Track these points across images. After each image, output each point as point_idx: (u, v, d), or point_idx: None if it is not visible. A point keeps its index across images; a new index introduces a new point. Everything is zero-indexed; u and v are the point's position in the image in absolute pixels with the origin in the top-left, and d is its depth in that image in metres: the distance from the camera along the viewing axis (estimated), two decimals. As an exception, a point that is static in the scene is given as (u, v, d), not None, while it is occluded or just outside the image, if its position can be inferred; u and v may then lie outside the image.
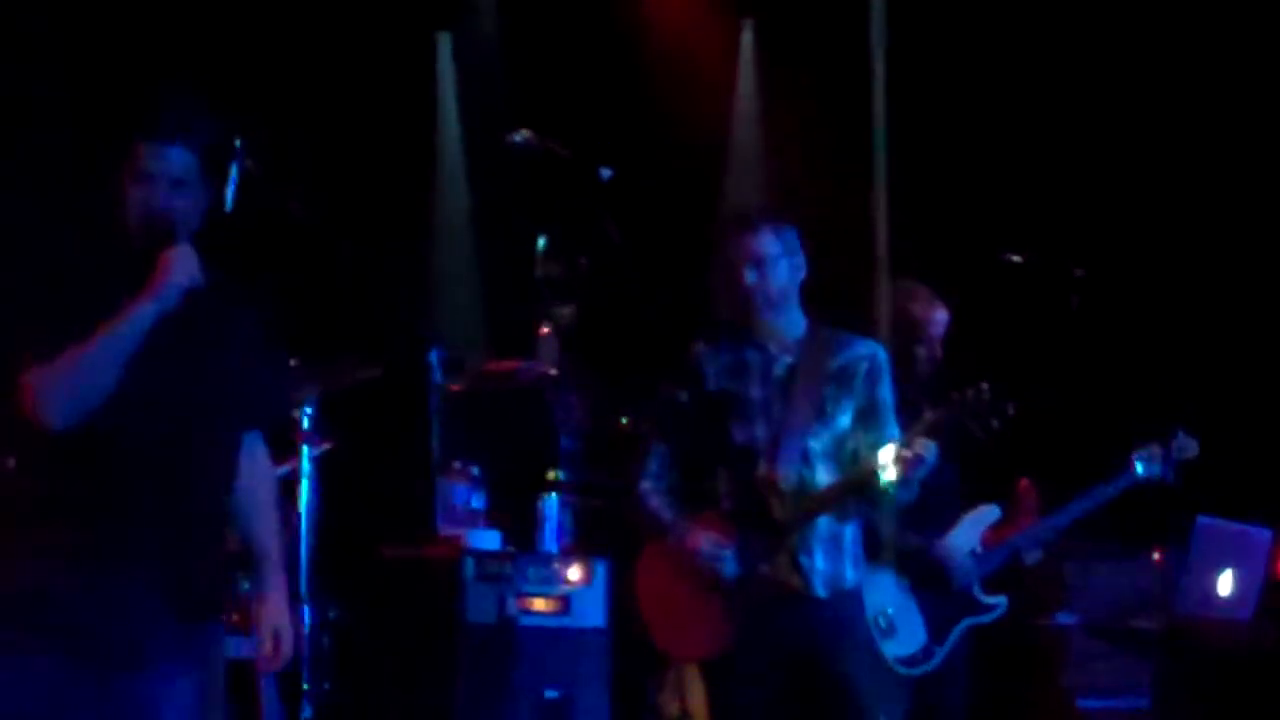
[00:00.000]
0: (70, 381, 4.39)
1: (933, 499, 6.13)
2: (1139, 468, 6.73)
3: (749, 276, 5.60)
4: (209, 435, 4.59)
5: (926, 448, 5.45)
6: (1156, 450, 6.75)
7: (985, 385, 5.45)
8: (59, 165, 7.15)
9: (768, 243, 5.61)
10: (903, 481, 5.50)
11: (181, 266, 4.45)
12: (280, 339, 4.92)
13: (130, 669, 4.42)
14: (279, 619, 4.77)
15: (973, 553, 6.50)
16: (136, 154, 4.50)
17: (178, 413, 4.51)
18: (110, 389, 4.40)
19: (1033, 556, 6.71)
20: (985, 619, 6.52)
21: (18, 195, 7.13)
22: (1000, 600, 6.55)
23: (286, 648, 4.77)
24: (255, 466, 4.78)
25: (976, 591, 6.50)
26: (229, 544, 4.74)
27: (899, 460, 5.45)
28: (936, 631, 6.41)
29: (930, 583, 6.40)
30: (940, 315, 6.59)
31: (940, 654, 6.39)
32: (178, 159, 4.51)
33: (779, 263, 5.62)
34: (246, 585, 4.99)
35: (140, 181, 4.50)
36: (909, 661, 6.33)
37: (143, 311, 4.42)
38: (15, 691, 4.35)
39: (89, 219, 4.64)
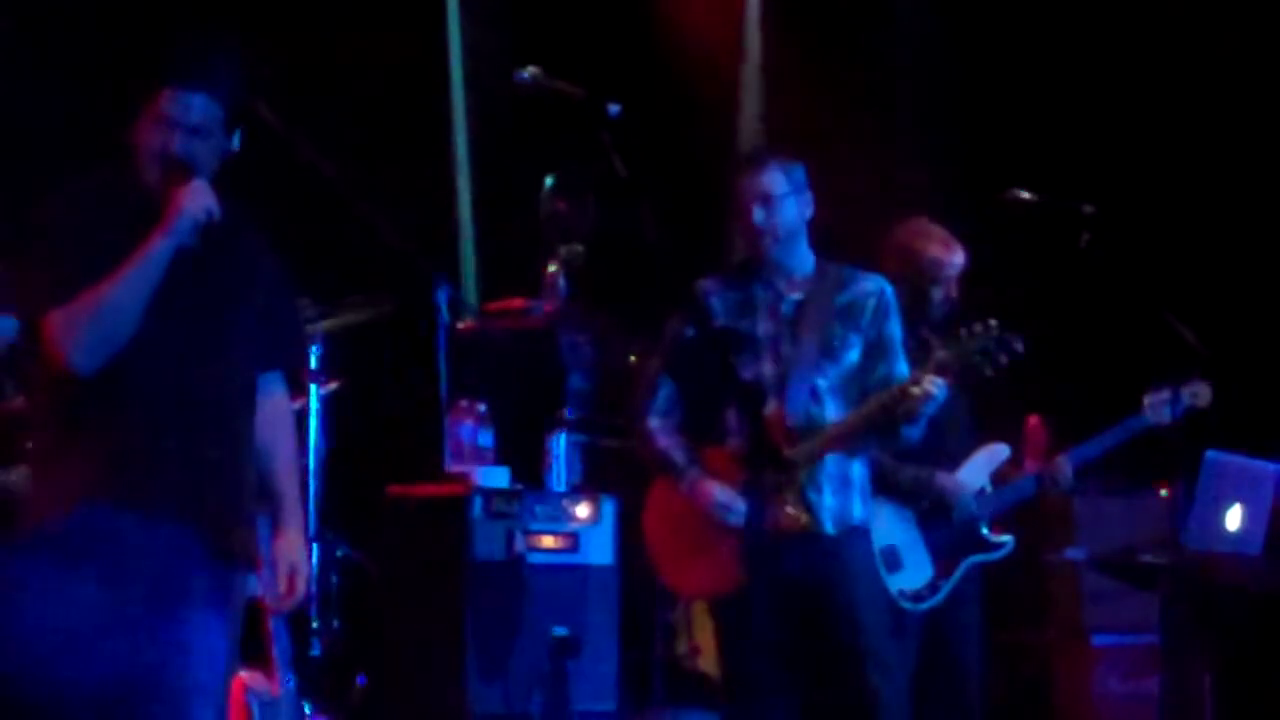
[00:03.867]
0: (92, 323, 4.39)
1: (944, 435, 6.14)
2: (1148, 415, 6.72)
3: (757, 215, 5.62)
4: (230, 376, 4.60)
5: (936, 384, 5.46)
6: (1166, 395, 6.73)
7: (994, 322, 5.45)
8: (78, 111, 7.15)
9: (776, 181, 5.62)
10: (912, 418, 5.51)
11: (195, 200, 4.45)
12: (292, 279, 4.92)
13: (171, 603, 4.44)
14: (295, 557, 4.77)
15: (981, 491, 6.50)
16: (159, 99, 4.51)
17: (198, 353, 4.52)
18: (132, 328, 4.41)
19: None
20: (992, 556, 6.52)
21: (36, 143, 7.14)
22: (1007, 539, 6.55)
23: (301, 587, 4.79)
24: (275, 406, 4.80)
25: (984, 529, 6.50)
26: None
27: (909, 397, 5.46)
28: (942, 566, 6.41)
29: (934, 515, 6.40)
30: (957, 258, 6.56)
31: (946, 588, 6.40)
32: (200, 106, 4.51)
33: (787, 200, 5.63)
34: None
35: (160, 126, 4.51)
36: (915, 596, 6.33)
37: (159, 246, 4.43)
38: (53, 616, 4.37)
39: (108, 164, 4.64)
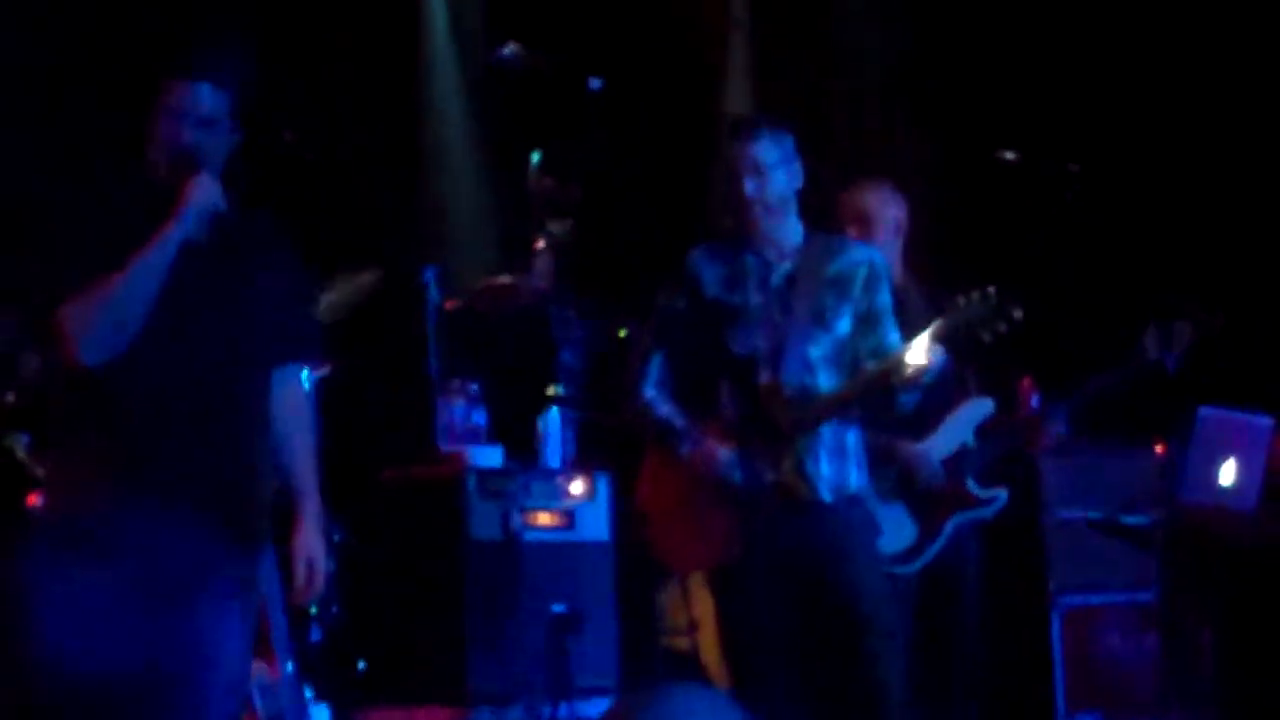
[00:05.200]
0: (100, 316, 4.43)
1: (940, 402, 6.14)
2: (1149, 350, 6.69)
3: (749, 185, 5.58)
4: (242, 367, 4.63)
5: (933, 352, 5.44)
6: (1161, 333, 6.71)
7: (992, 289, 5.42)
8: (89, 107, 7.14)
9: (767, 150, 5.59)
10: (909, 386, 5.50)
11: (201, 192, 4.49)
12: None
13: (184, 590, 4.47)
14: (313, 549, 4.81)
15: (964, 446, 6.47)
16: (168, 91, 4.54)
17: (210, 345, 4.55)
18: (141, 320, 4.44)
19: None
20: (981, 513, 6.49)
21: (47, 138, 7.14)
22: (998, 494, 6.52)
23: (319, 579, 4.82)
24: (291, 399, 4.83)
25: (970, 485, 6.47)
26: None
27: (905, 365, 5.45)
28: (926, 526, 6.39)
29: (902, 485, 6.39)
30: (893, 211, 6.57)
31: (931, 550, 6.37)
32: (208, 97, 4.55)
33: (777, 170, 5.60)
34: None
35: (169, 118, 4.54)
36: (898, 558, 6.30)
37: (165, 238, 4.46)
38: (71, 606, 4.39)
39: (119, 157, 4.66)
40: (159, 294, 4.45)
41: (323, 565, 4.83)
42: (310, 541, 4.80)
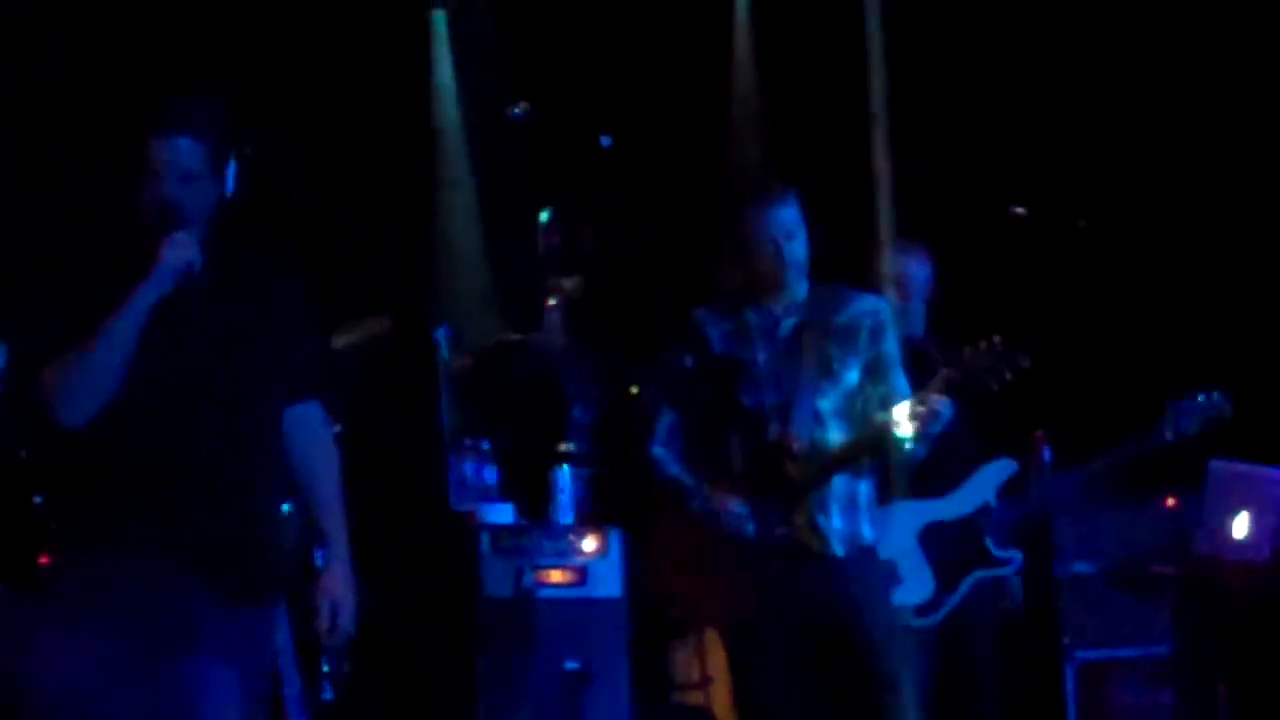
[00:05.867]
0: (75, 378, 4.42)
1: (947, 452, 6.14)
2: (1168, 431, 6.70)
3: (778, 249, 5.59)
4: (245, 413, 4.59)
5: (941, 403, 5.45)
6: (1187, 409, 6.71)
7: (998, 338, 5.44)
8: (77, 168, 7.17)
9: (792, 215, 5.61)
10: (918, 437, 5.50)
11: (173, 251, 4.47)
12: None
13: (175, 652, 4.44)
14: (338, 593, 4.75)
15: (985, 505, 6.50)
16: (147, 149, 4.53)
17: (208, 394, 4.53)
18: (116, 380, 4.42)
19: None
20: (999, 572, 6.52)
21: (36, 198, 7.16)
22: (1014, 554, 6.54)
23: (346, 624, 4.77)
24: (310, 440, 4.78)
25: (989, 543, 6.49)
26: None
27: (914, 417, 5.45)
28: (946, 580, 6.40)
29: (934, 530, 6.41)
30: (927, 269, 6.61)
31: (950, 603, 6.38)
32: (185, 149, 4.53)
33: (801, 231, 5.62)
34: None
35: (151, 175, 4.53)
36: (918, 610, 6.31)
37: (137, 299, 4.45)
38: (65, 663, 4.37)
39: (106, 218, 4.66)
40: (142, 349, 4.43)
41: (350, 610, 4.78)
42: (334, 583, 4.75)
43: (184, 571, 4.45)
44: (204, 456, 4.50)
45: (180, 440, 4.49)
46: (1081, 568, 7.73)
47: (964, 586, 6.42)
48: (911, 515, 6.38)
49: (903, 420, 5.46)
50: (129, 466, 4.46)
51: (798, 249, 5.61)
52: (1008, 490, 6.58)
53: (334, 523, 4.83)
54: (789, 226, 5.60)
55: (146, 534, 4.45)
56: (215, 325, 4.56)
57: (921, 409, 5.44)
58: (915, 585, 6.34)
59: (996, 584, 6.59)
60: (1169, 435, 6.69)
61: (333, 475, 4.87)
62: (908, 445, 5.52)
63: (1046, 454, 6.80)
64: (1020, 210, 6.90)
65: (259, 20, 8.55)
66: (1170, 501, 7.62)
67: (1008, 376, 5.40)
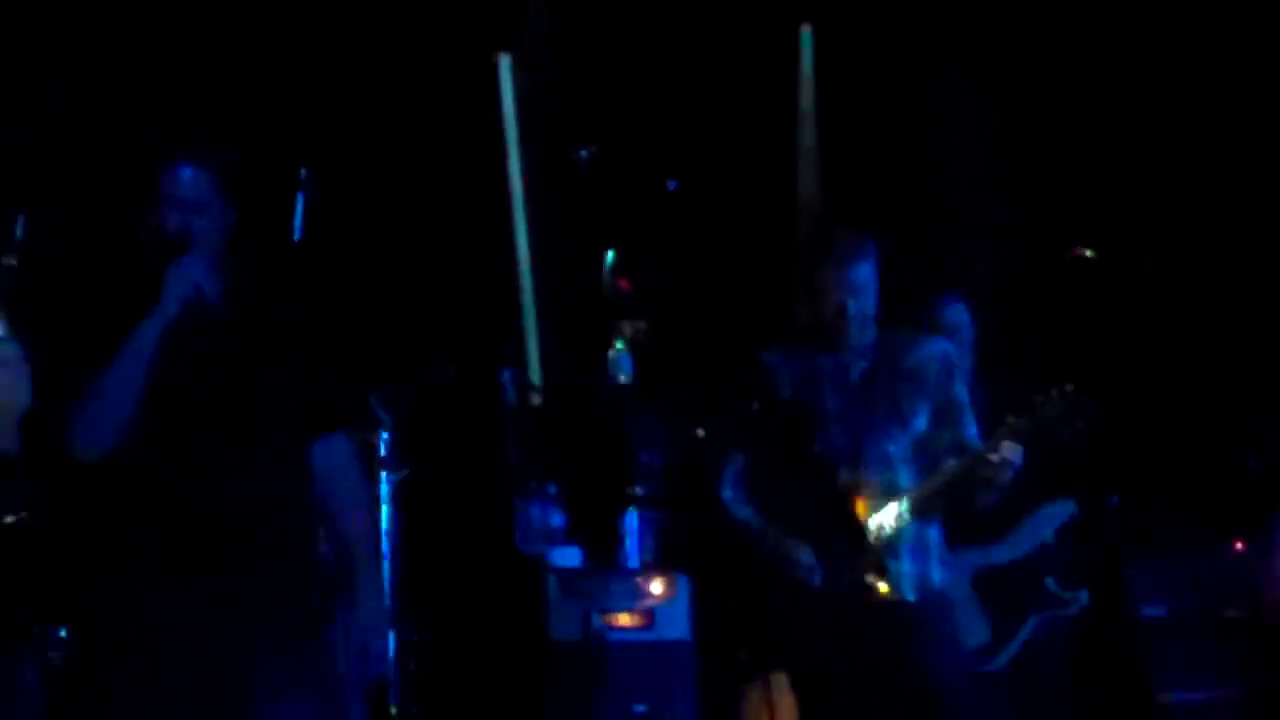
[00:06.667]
0: (88, 414, 4.45)
1: (1012, 499, 6.13)
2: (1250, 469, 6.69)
3: (851, 305, 5.58)
4: (261, 443, 4.59)
5: (1014, 451, 5.42)
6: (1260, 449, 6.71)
7: (1070, 387, 5.40)
8: (91, 204, 7.20)
9: (866, 272, 5.61)
10: (990, 486, 5.47)
11: (176, 280, 4.50)
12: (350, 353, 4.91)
13: (233, 693, 4.44)
14: (365, 630, 4.71)
15: (1044, 545, 6.45)
16: (156, 182, 4.58)
17: (224, 421, 4.53)
18: (128, 411, 4.44)
19: None
20: (1062, 612, 6.46)
21: (52, 237, 7.19)
22: (1079, 594, 6.49)
23: (373, 660, 4.76)
24: (337, 470, 4.77)
25: (1050, 584, 6.44)
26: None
27: (987, 465, 5.42)
28: (1001, 625, 6.36)
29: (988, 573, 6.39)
30: (971, 322, 6.63)
31: (1009, 650, 6.34)
32: (191, 180, 4.57)
33: (870, 287, 5.61)
34: None
35: (160, 207, 4.58)
36: (974, 656, 6.27)
37: (144, 329, 4.48)
38: (123, 708, 4.38)
39: (119, 253, 4.69)
40: (155, 378, 4.45)
41: (377, 647, 4.78)
42: (362, 616, 4.71)
43: (224, 614, 4.45)
44: (224, 490, 4.50)
45: (198, 471, 4.49)
46: (1151, 611, 7.69)
47: (1024, 631, 6.38)
48: (965, 561, 6.35)
49: (975, 468, 5.45)
50: (156, 507, 4.47)
51: (866, 304, 5.60)
52: (1070, 531, 6.54)
53: (363, 555, 4.78)
54: (860, 284, 5.59)
55: (182, 583, 4.45)
56: (228, 354, 4.57)
57: (993, 458, 5.41)
58: (971, 631, 6.30)
59: (1068, 625, 6.55)
60: (1254, 471, 6.68)
61: (361, 508, 4.86)
62: (978, 493, 5.50)
63: (1114, 500, 6.77)
64: (1086, 252, 6.87)
65: (327, 64, 8.60)
66: (1239, 545, 7.58)
67: (1080, 427, 5.38)
